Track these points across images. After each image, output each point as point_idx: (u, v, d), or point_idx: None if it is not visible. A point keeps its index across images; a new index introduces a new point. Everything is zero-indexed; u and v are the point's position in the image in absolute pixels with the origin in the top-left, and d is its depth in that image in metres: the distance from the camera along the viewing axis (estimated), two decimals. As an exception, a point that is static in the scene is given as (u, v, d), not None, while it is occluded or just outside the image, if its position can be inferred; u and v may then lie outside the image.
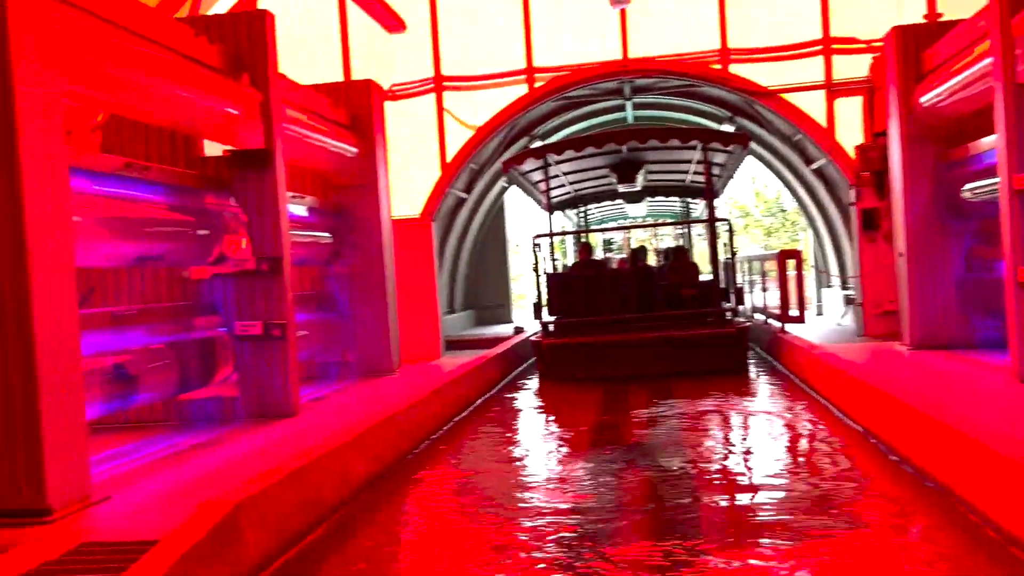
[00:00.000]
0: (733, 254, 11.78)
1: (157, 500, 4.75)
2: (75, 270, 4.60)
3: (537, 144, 15.03)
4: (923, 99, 8.94)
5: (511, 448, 7.16)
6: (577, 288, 11.38)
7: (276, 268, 7.12)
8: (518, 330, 14.90)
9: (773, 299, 12.51)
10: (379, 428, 6.25)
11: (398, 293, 12.36)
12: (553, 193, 12.72)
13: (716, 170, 12.94)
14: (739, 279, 12.28)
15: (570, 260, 20.62)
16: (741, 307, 12.06)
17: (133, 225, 5.99)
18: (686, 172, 14.30)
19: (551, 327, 11.20)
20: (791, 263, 11.26)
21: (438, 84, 13.35)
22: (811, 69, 12.67)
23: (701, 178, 13.28)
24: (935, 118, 8.95)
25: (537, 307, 11.59)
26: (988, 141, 8.14)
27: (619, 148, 11.89)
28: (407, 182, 13.29)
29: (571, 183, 14.50)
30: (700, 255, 21.77)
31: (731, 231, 12.01)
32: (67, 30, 4.89)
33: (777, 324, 11.49)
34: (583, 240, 14.91)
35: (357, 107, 9.96)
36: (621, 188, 14.28)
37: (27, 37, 4.40)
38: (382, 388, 9.03)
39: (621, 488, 5.39)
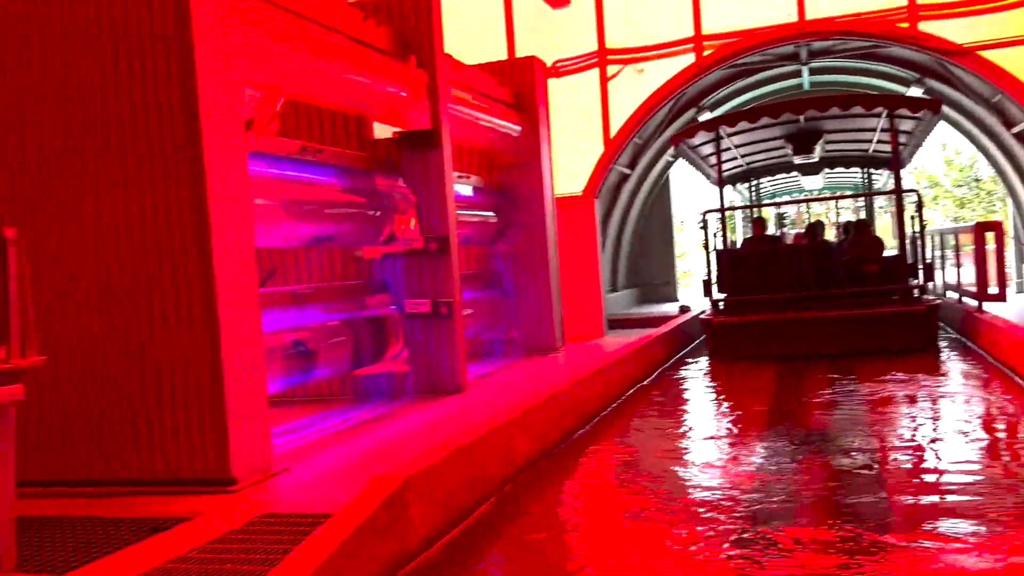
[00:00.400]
0: (923, 227, 11.01)
1: (332, 473, 4.91)
2: (255, 251, 4.79)
3: (706, 116, 14.57)
4: None
5: (678, 428, 6.94)
6: (750, 264, 11.01)
7: (444, 247, 7.21)
8: (683, 309, 14.51)
9: (967, 276, 11.51)
10: (543, 407, 6.21)
11: (562, 272, 12.35)
12: (724, 167, 12.34)
13: (903, 138, 12.16)
14: (928, 254, 11.45)
15: (739, 236, 19.98)
16: (930, 284, 11.46)
17: (308, 207, 6.21)
18: (869, 141, 13.52)
19: (722, 304, 10.92)
20: (990, 236, 10.26)
21: (602, 58, 13.12)
22: (1012, 22, 11.48)
23: (885, 147, 12.54)
24: None
25: (707, 284, 11.27)
26: None
27: (796, 118, 11.32)
28: (570, 159, 13.18)
29: (743, 156, 14.02)
30: (883, 229, 20.44)
31: (920, 203, 11.27)
32: (245, 19, 5.09)
33: (972, 302, 10.54)
34: (757, 215, 14.27)
35: (520, 85, 9.94)
36: (797, 160, 13.76)
37: (209, 28, 4.60)
38: (545, 366, 9.02)
39: (800, 472, 5.08)
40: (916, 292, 10.67)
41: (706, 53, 12.67)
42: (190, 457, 4.53)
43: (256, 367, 4.76)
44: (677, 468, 5.52)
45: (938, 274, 12.98)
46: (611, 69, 13.14)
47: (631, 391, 8.40)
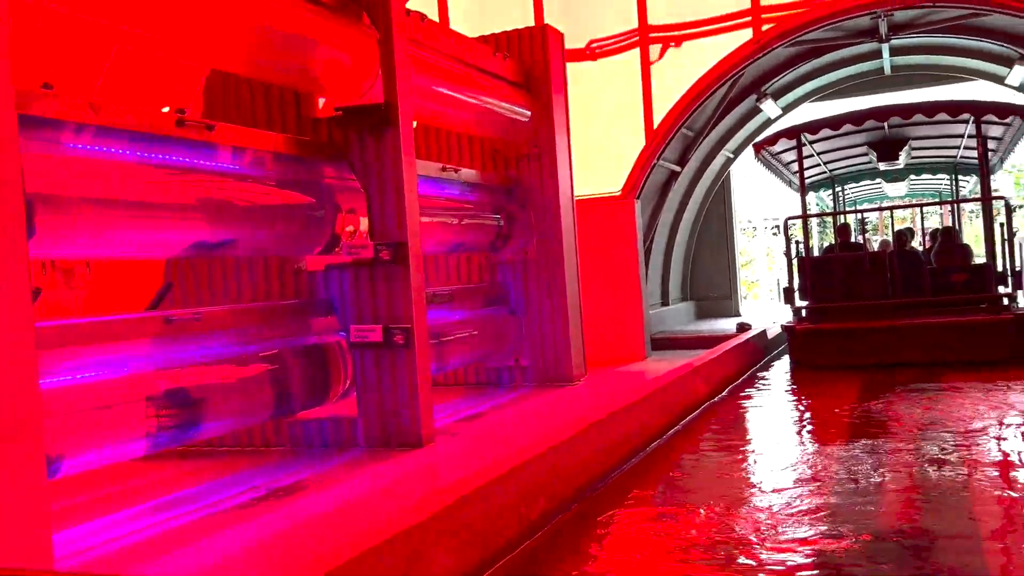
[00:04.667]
0: (1012, 234, 11.08)
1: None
2: (26, 261, 3.19)
3: (768, 103, 12.77)
4: None
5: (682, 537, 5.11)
6: (834, 272, 10.88)
7: (399, 256, 5.55)
8: (742, 327, 12.52)
9: None
10: (517, 473, 4.52)
11: (595, 283, 10.62)
12: (806, 174, 12.01)
13: (992, 144, 12.16)
14: (1017, 262, 11.18)
15: (815, 243, 18.44)
16: (1021, 292, 11.13)
17: (207, 205, 4.64)
18: (956, 148, 13.39)
19: (804, 312, 10.75)
20: None
21: (643, 36, 11.31)
22: None
23: (973, 153, 12.19)
24: None
25: (789, 292, 11.14)
26: None
27: (880, 124, 11.32)
28: (606, 154, 11.41)
29: (825, 163, 13.91)
30: (972, 236, 18.38)
31: (1009, 209, 11.26)
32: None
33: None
34: (842, 221, 13.47)
35: (531, 62, 8.24)
36: (881, 167, 13.85)
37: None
38: (555, 404, 7.27)
39: None
40: (1005, 301, 10.34)
41: (765, 28, 10.74)
42: None
43: (26, 428, 3.17)
44: None
45: None
46: (654, 51, 11.32)
47: (657, 443, 6.58)
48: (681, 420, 7.47)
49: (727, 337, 11.67)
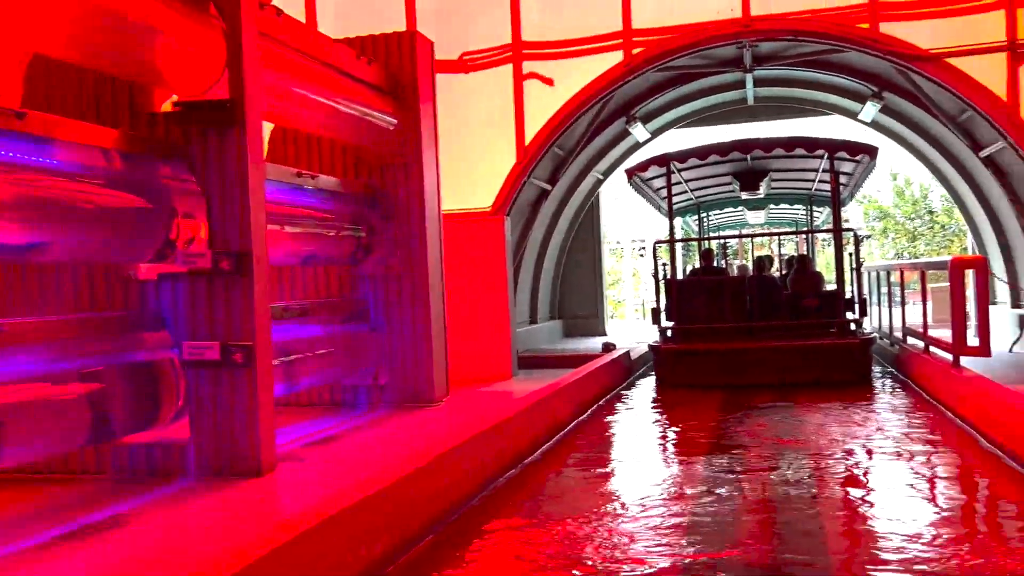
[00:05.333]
0: (859, 264, 11.92)
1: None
2: None
3: (637, 127, 13.00)
4: None
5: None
6: (698, 295, 11.37)
7: (241, 267, 5.09)
8: (607, 347, 12.56)
9: (918, 317, 10.25)
10: (366, 504, 4.17)
11: (462, 300, 10.37)
12: (674, 200, 12.76)
13: (843, 179, 13.02)
14: (865, 290, 12.32)
15: (681, 265, 19.27)
16: (866, 319, 12.05)
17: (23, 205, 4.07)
18: (812, 180, 14.31)
19: (669, 333, 11.21)
20: (968, 274, 8.47)
21: (517, 52, 11.19)
22: (986, 27, 9.88)
23: (827, 186, 13.17)
24: None
25: (656, 313, 11.63)
26: None
27: (743, 156, 11.99)
28: (477, 169, 11.21)
29: (692, 190, 14.62)
30: (825, 264, 19.53)
31: (857, 241, 12.26)
32: None
33: (944, 355, 8.74)
34: (706, 247, 14.76)
35: (398, 68, 7.91)
36: (744, 195, 14.58)
37: None
38: (414, 427, 6.92)
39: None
40: (852, 326, 11.06)
41: (636, 52, 10.83)
42: None
43: None
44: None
45: (888, 314, 12.30)
46: (527, 67, 11.21)
47: (515, 470, 6.36)
48: (547, 441, 7.31)
49: (594, 356, 11.66)
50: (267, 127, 7.24)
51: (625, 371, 11.39)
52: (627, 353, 11.84)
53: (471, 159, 11.14)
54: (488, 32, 11.27)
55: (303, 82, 6.45)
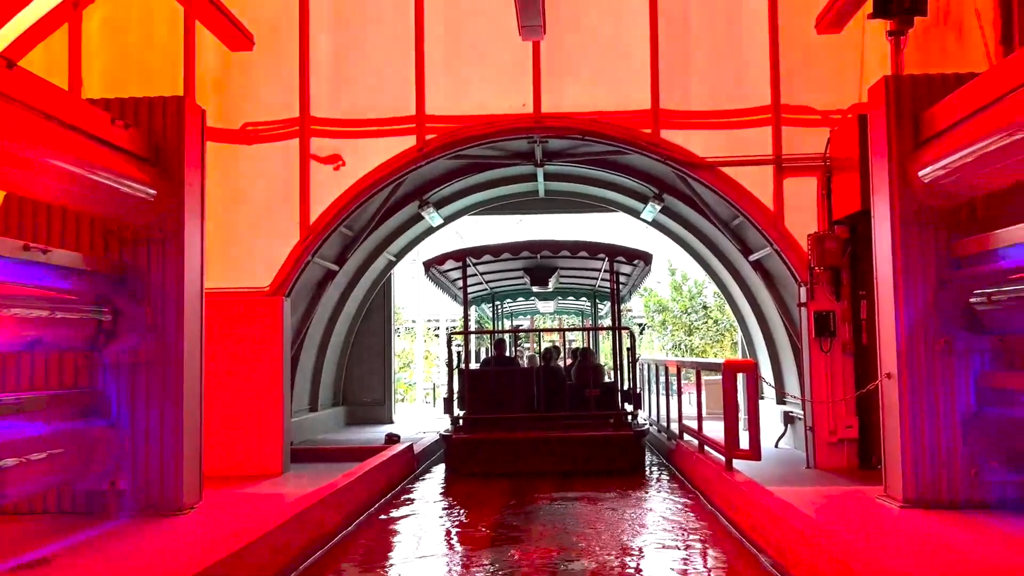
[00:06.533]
0: (634, 359, 12.59)
1: None
2: None
3: (431, 211, 12.90)
4: (924, 172, 6.71)
5: None
6: (489, 384, 11.74)
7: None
8: (391, 439, 11.98)
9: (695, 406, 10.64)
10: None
11: (229, 388, 9.61)
12: (470, 290, 13.48)
13: (623, 279, 14.19)
14: (639, 384, 13.16)
15: (475, 349, 19.93)
16: (641, 411, 12.77)
17: None
18: (595, 279, 15.29)
19: (460, 421, 11.47)
20: (740, 378, 8.73)
21: (304, 127, 10.68)
22: (757, 141, 10.56)
23: (608, 285, 14.02)
24: (940, 198, 6.72)
25: (448, 402, 11.91)
26: (1019, 230, 5.94)
27: (534, 255, 12.97)
28: (258, 246, 10.48)
29: (487, 281, 15.45)
30: (608, 353, 20.40)
31: (633, 338, 12.93)
32: None
33: (717, 456, 8.91)
34: (498, 338, 15.42)
35: (162, 135, 7.19)
36: (535, 289, 15.56)
37: None
38: (153, 543, 6.00)
39: None
40: (629, 417, 11.70)
41: (429, 137, 10.65)
42: None
43: None
44: None
45: (663, 407, 12.99)
46: (316, 143, 10.72)
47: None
48: (318, 550, 6.62)
49: (376, 449, 11.05)
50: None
51: (408, 466, 10.86)
52: (410, 446, 11.32)
53: (251, 235, 10.41)
54: (276, 103, 10.70)
55: (40, 145, 5.63)
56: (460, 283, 12.89)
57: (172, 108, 7.20)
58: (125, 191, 6.70)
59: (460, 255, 12.28)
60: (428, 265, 12.69)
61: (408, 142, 10.64)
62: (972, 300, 6.56)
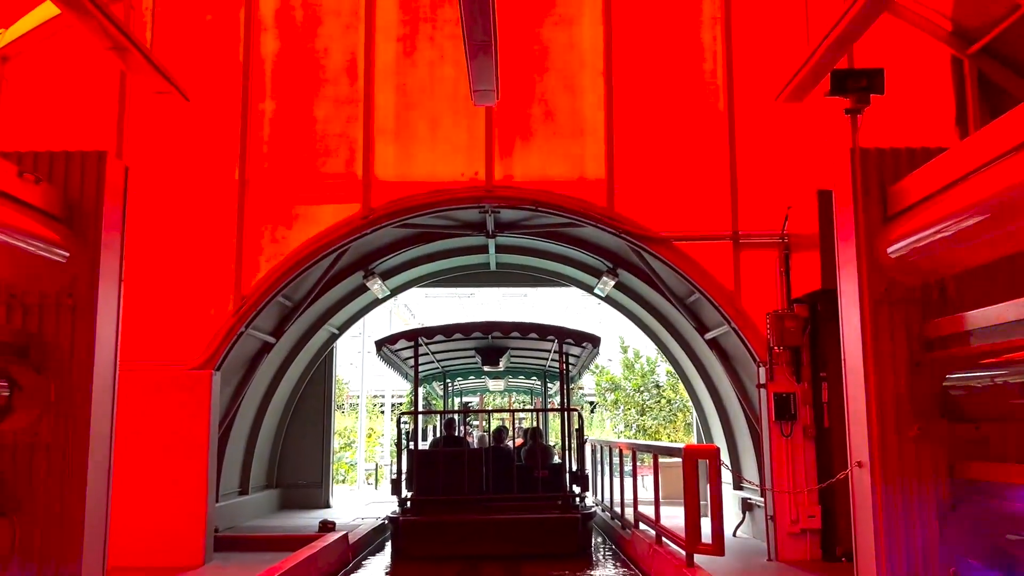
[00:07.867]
0: (582, 442, 12.55)
1: None
2: None
3: (376, 283, 12.41)
4: (894, 248, 6.41)
5: None
6: (438, 465, 11.40)
7: None
8: (326, 526, 11.12)
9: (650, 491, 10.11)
10: None
11: (147, 471, 8.85)
12: (421, 368, 13.45)
13: (572, 360, 14.24)
14: (586, 466, 13.17)
15: (421, 428, 19.28)
16: (588, 493, 12.79)
17: None
18: (545, 359, 15.17)
19: (408, 503, 11.19)
20: (702, 464, 8.20)
21: (240, 187, 10.13)
22: (714, 216, 10.28)
23: (557, 366, 13.86)
24: (911, 275, 6.41)
25: (396, 483, 11.68)
26: (995, 311, 5.61)
27: (485, 336, 13.00)
28: (186, 316, 9.77)
29: (439, 360, 15.34)
30: (557, 433, 19.86)
31: (581, 419, 12.84)
32: None
33: (675, 547, 8.31)
34: (448, 417, 15.39)
35: (79, 193, 6.58)
36: (486, 368, 15.55)
37: None
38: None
39: None
40: (577, 500, 11.55)
41: (375, 205, 10.17)
42: None
43: None
44: None
45: (612, 489, 12.72)
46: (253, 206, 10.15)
47: None
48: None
49: (308, 538, 10.20)
50: None
51: (341, 557, 10.02)
52: (345, 536, 10.48)
53: (176, 303, 9.71)
54: (210, 165, 10.15)
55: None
56: (412, 362, 12.86)
57: (91, 164, 6.60)
58: (31, 251, 6.05)
59: (412, 335, 12.34)
60: (380, 344, 12.66)
61: (352, 208, 10.15)
62: (947, 384, 6.19)
